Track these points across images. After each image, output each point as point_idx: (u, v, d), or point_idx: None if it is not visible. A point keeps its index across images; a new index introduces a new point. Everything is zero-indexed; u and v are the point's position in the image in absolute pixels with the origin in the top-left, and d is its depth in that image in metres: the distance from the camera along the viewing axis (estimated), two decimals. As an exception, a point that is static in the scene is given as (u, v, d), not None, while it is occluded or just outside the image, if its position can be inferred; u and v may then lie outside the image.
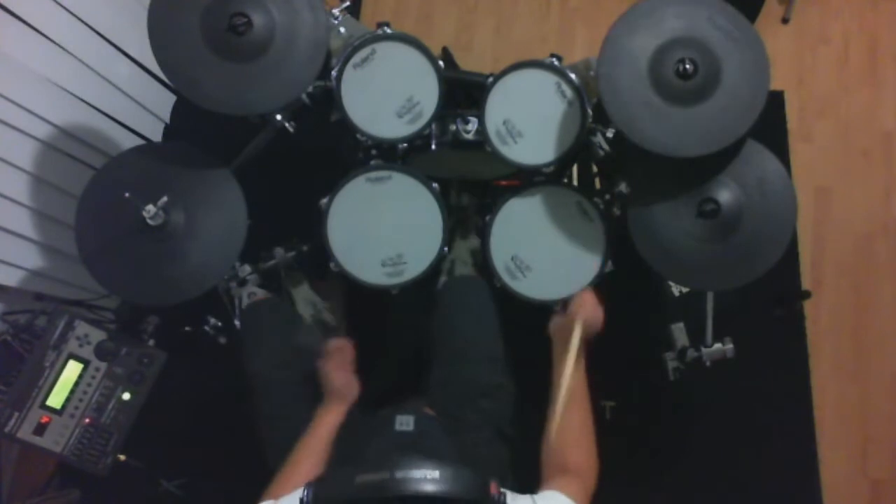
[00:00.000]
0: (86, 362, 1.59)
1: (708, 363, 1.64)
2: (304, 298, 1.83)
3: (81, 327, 1.60)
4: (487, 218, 1.49)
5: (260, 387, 1.39)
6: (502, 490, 0.85)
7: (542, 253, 1.48)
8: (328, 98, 1.47)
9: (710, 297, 1.63)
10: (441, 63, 1.43)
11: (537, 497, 0.95)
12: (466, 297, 1.51)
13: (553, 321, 1.28)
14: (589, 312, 1.23)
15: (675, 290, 1.73)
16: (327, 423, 1.23)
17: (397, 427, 0.82)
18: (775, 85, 2.20)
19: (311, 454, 1.17)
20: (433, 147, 1.54)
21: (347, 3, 1.57)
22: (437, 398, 1.35)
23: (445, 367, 1.40)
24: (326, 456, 1.18)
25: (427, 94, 1.44)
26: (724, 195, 1.34)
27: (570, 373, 1.13)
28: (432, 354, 1.45)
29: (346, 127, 1.45)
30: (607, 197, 1.54)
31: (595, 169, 1.82)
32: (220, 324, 1.89)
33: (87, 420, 1.59)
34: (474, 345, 1.41)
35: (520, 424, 1.34)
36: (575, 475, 1.05)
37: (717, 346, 1.63)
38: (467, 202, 1.76)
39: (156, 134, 2.18)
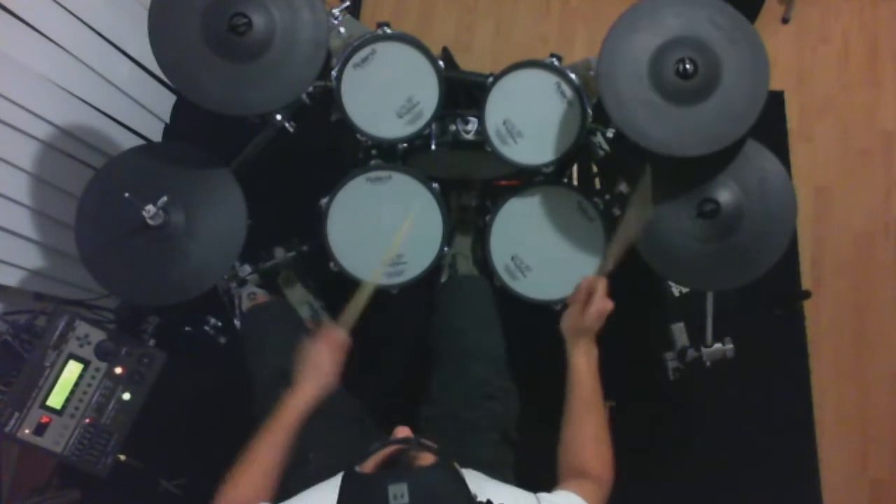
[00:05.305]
0: (86, 362, 1.59)
1: (708, 363, 1.64)
2: (299, 299, 1.83)
3: (81, 327, 1.59)
4: (487, 218, 1.49)
5: (260, 396, 1.36)
6: None
7: (542, 253, 1.48)
8: (328, 98, 1.46)
9: (710, 297, 1.63)
10: (441, 63, 1.43)
11: (547, 495, 0.94)
12: (471, 297, 1.50)
13: (567, 317, 1.20)
14: (603, 303, 1.15)
15: (675, 290, 1.73)
16: (294, 408, 1.12)
17: (391, 501, 0.77)
18: (775, 85, 2.20)
19: (273, 447, 1.09)
20: (433, 147, 1.54)
21: (347, 3, 1.57)
22: (443, 398, 1.34)
23: (452, 368, 1.39)
24: (290, 445, 1.10)
25: (427, 94, 1.44)
26: (724, 195, 1.34)
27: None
28: (436, 354, 1.44)
29: (346, 127, 1.45)
30: (607, 197, 1.54)
31: (595, 169, 1.82)
32: (220, 324, 1.89)
33: (87, 420, 1.59)
34: (481, 346, 1.40)
35: (520, 427, 1.34)
36: (593, 481, 1.04)
37: (717, 346, 1.63)
38: (467, 202, 1.76)
39: (156, 134, 2.18)
